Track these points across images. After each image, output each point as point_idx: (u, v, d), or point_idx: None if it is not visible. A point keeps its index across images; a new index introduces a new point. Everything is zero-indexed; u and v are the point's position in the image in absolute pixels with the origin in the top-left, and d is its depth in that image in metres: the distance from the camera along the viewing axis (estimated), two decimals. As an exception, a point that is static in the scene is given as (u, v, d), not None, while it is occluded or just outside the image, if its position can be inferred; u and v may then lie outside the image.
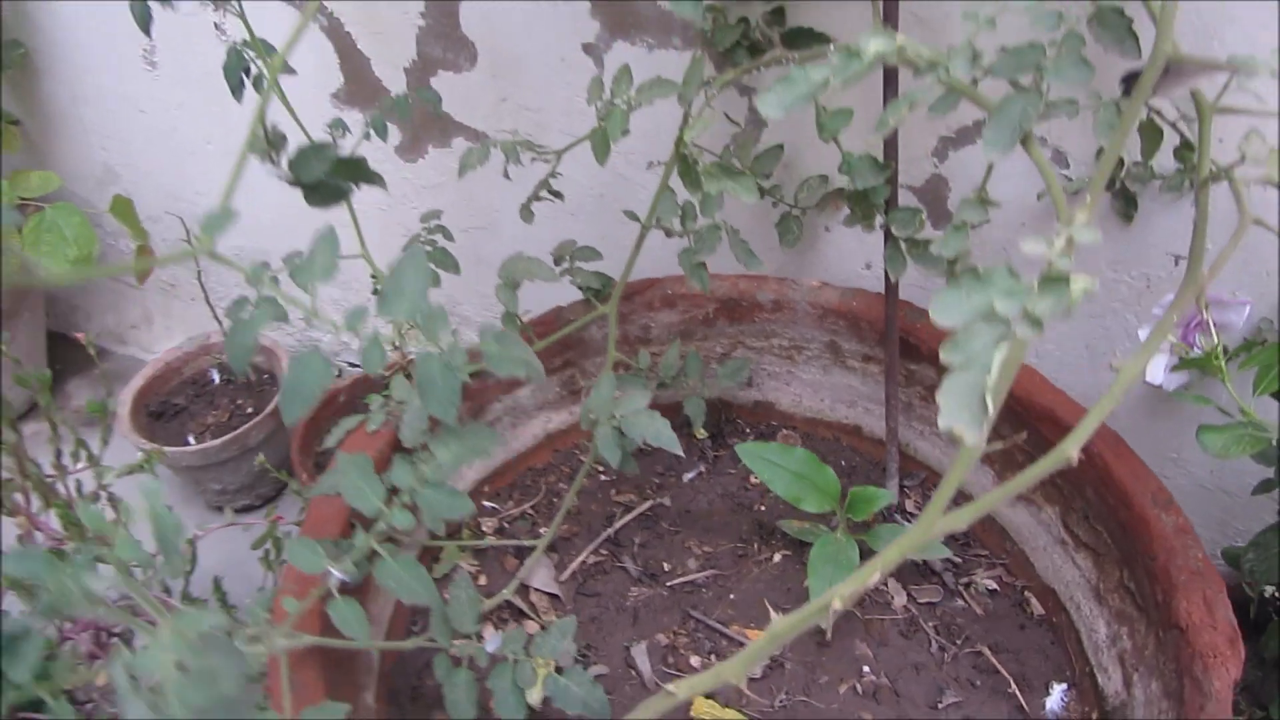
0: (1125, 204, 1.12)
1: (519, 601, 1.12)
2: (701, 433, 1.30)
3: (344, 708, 0.81)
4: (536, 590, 1.14)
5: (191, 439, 1.63)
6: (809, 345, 1.23)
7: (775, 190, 1.19)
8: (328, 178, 0.89)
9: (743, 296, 1.21)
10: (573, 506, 1.22)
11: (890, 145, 1.00)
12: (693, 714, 1.02)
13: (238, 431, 1.56)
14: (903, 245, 1.01)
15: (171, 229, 1.81)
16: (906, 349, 1.15)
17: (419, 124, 1.45)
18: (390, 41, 1.38)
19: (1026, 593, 1.12)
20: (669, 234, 1.13)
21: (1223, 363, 0.97)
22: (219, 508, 1.71)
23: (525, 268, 1.07)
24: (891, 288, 1.11)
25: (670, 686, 0.80)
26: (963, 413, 0.61)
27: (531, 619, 1.11)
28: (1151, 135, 0.98)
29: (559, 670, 0.90)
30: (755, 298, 1.21)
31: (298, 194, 0.75)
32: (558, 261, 1.21)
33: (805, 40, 0.98)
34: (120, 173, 1.78)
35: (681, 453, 0.95)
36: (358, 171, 0.91)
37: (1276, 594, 1.26)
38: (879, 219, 1.02)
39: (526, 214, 1.18)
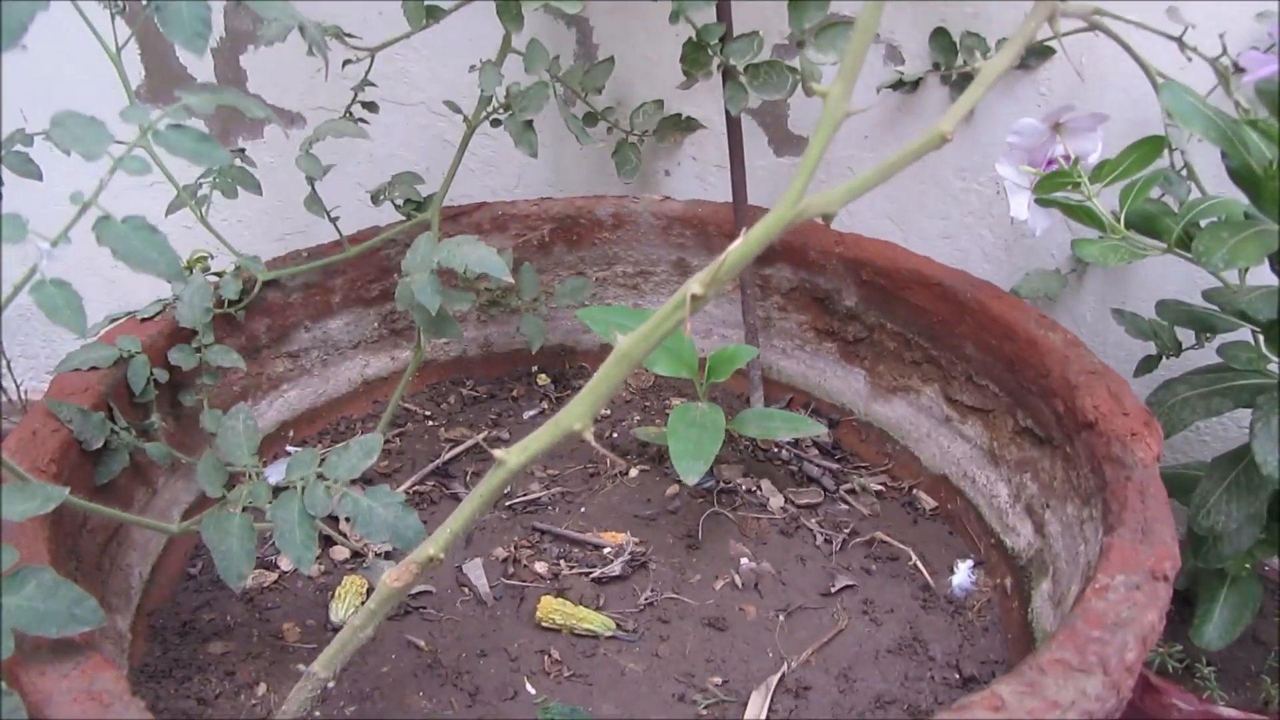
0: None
1: (325, 528, 0.92)
2: (544, 378, 1.16)
3: (60, 493, 0.61)
4: (347, 519, 0.94)
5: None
6: (656, 268, 1.13)
7: (609, 113, 1.13)
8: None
9: (580, 214, 1.11)
10: (393, 445, 1.04)
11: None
12: (539, 616, 0.83)
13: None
14: (742, 78, 0.94)
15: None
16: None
17: (227, 113, 1.35)
18: (197, 19, 1.30)
19: (915, 490, 0.99)
20: (495, 123, 1.04)
21: (1084, 178, 0.91)
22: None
23: (331, 127, 0.95)
24: (739, 181, 1.04)
25: (499, 453, 0.64)
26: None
27: (342, 545, 0.91)
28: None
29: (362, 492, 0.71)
30: (594, 214, 1.11)
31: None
32: (376, 200, 1.10)
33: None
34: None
35: (510, 279, 0.82)
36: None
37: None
38: (715, 62, 0.96)
39: (339, 128, 1.08)
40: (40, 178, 0.77)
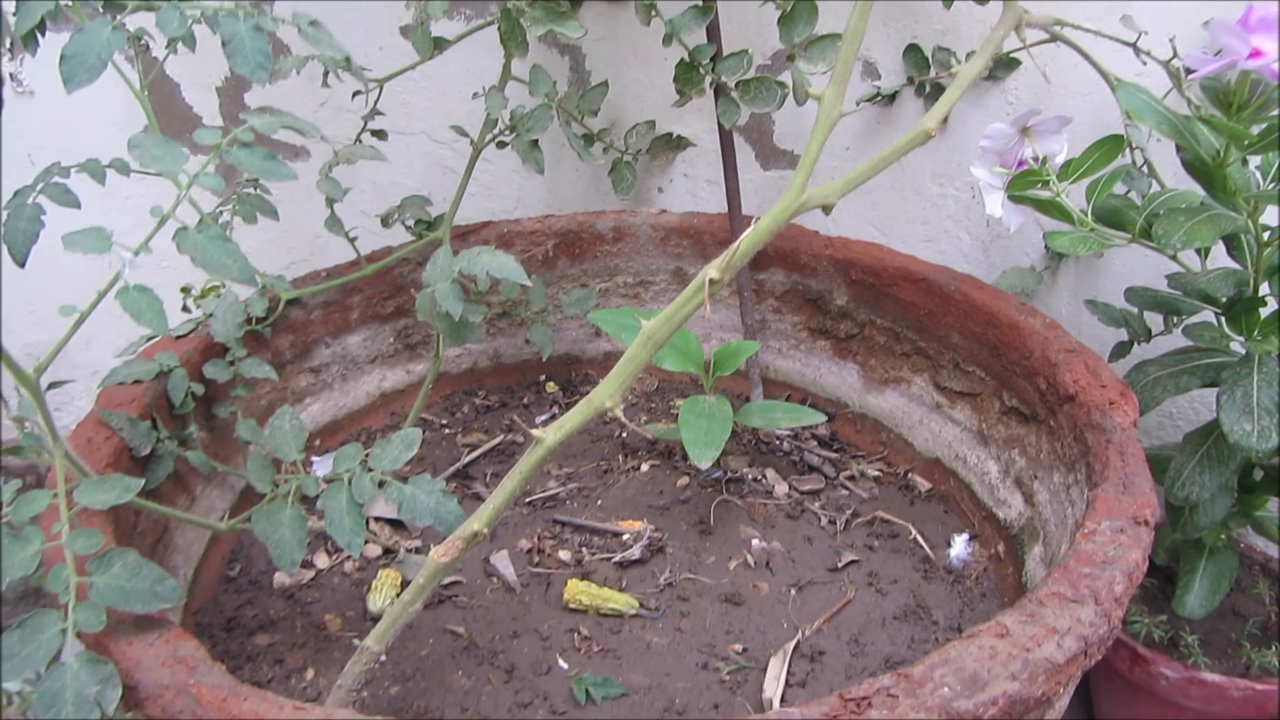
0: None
1: (356, 528, 0.97)
2: (552, 386, 1.21)
3: (136, 483, 0.66)
4: (377, 520, 0.99)
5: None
6: (655, 278, 1.19)
7: (604, 134, 1.20)
8: None
9: (582, 228, 1.17)
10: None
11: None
12: (566, 598, 0.88)
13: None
14: (734, 93, 1.01)
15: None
16: (753, 256, 1.12)
17: (236, 147, 1.41)
18: (201, 60, 1.36)
19: (910, 474, 1.05)
20: (500, 145, 1.11)
21: (1052, 176, 0.98)
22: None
23: (349, 151, 1.01)
24: (733, 190, 1.10)
25: (537, 432, 0.70)
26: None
27: (374, 543, 0.96)
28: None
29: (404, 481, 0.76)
30: (595, 228, 1.17)
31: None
32: (386, 222, 1.17)
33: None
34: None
35: (528, 281, 0.88)
36: None
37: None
38: (707, 80, 1.03)
39: (357, 152, 1.14)
40: (79, 206, 0.82)
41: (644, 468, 1.05)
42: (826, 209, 0.71)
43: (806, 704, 0.54)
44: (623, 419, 0.69)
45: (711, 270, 0.68)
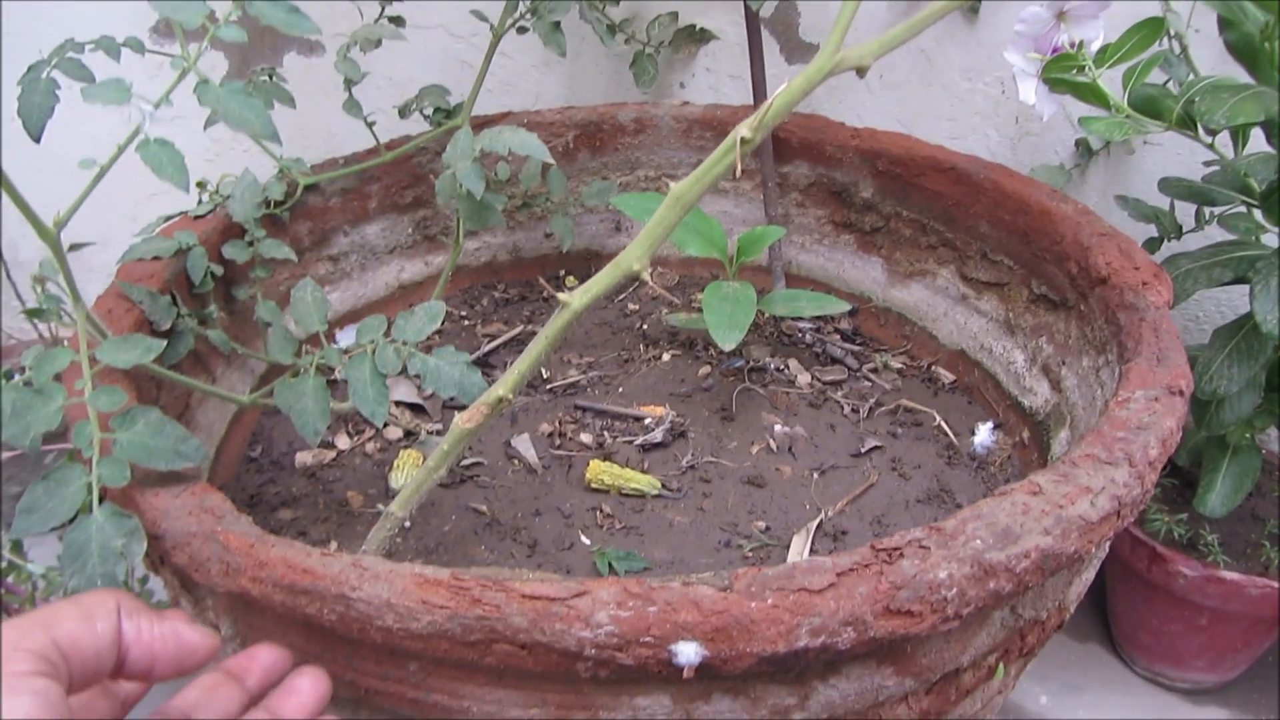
0: (970, -6, 1.13)
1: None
2: (572, 280, 1.20)
3: (159, 344, 0.66)
4: (397, 403, 0.99)
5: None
6: (677, 171, 1.17)
7: (625, 25, 1.17)
8: None
9: (603, 120, 1.15)
10: (433, 341, 1.09)
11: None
12: (588, 478, 0.88)
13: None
14: (763, -27, 0.98)
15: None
16: (777, 149, 1.11)
17: (252, 40, 1.38)
18: (217, -53, 1.33)
19: (934, 367, 1.04)
20: (521, 30, 1.08)
21: (1089, 61, 0.96)
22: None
23: (367, 30, 0.99)
24: (759, 78, 1.08)
25: (563, 296, 0.69)
26: None
27: (395, 425, 0.96)
28: None
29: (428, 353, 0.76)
30: (617, 119, 1.15)
31: None
32: (404, 113, 1.14)
33: None
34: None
35: (551, 160, 0.86)
36: None
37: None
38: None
39: (367, 43, 1.12)
40: (93, 79, 0.81)
41: (665, 357, 1.05)
42: (861, 71, 0.69)
43: (838, 554, 0.54)
44: (650, 281, 0.68)
45: (743, 129, 0.66)
